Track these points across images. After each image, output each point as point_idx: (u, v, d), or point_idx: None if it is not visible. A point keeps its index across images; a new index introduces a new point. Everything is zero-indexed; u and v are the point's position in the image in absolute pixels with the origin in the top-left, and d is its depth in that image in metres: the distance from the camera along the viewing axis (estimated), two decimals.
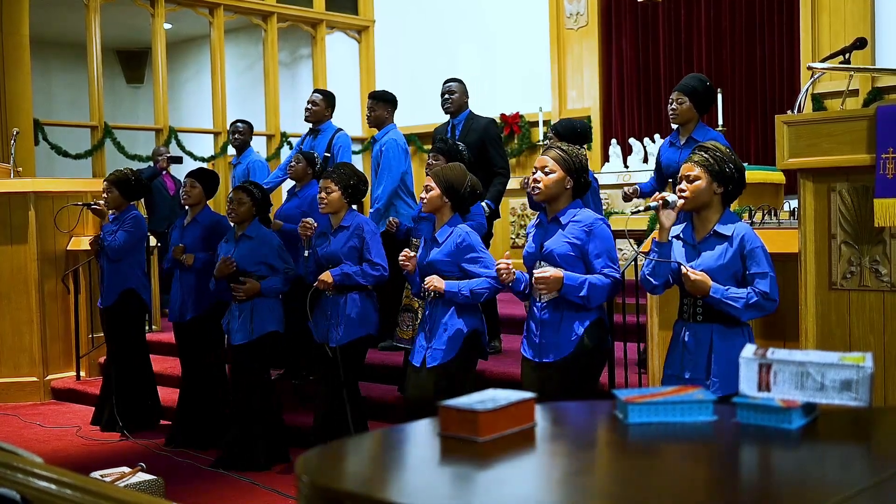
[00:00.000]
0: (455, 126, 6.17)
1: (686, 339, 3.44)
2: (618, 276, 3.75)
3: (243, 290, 5.01)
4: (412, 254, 4.31)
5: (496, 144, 6.14)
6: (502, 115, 10.44)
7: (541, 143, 9.77)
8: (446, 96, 6.20)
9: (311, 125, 6.59)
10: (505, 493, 1.50)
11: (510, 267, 3.79)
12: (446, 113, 6.24)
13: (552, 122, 5.82)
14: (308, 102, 6.59)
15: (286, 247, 5.39)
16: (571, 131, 5.45)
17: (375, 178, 6.29)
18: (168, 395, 6.15)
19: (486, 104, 6.23)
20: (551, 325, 3.76)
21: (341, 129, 6.67)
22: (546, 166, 3.76)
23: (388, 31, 11.80)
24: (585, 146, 5.54)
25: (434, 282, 4.13)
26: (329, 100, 6.66)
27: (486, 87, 10.20)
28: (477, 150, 5.94)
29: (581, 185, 3.79)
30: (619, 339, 5.01)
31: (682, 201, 3.40)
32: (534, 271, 3.72)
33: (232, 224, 5.27)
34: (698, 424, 1.79)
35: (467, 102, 6.26)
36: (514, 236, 9.05)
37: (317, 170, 5.99)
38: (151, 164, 8.94)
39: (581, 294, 3.65)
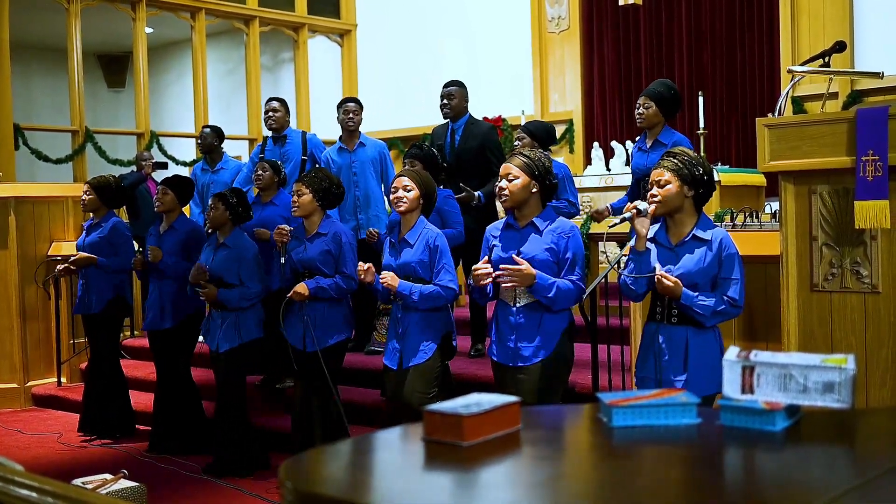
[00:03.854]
0: (455, 130, 6.10)
1: (660, 340, 3.48)
2: (583, 285, 3.81)
3: (203, 294, 5.04)
4: (366, 266, 4.29)
5: (495, 150, 6.09)
6: (485, 118, 10.44)
7: (515, 145, 9.82)
8: (445, 101, 6.09)
9: (273, 132, 6.56)
10: (490, 498, 1.50)
11: (489, 274, 3.76)
12: (445, 118, 6.14)
13: (522, 125, 5.84)
14: (269, 111, 6.54)
15: (267, 254, 5.37)
16: (544, 130, 5.56)
17: (380, 183, 6.37)
18: (147, 401, 6.10)
19: (469, 107, 6.23)
20: (529, 328, 3.77)
21: (306, 131, 6.67)
22: (510, 173, 3.77)
23: (371, 35, 11.79)
24: (567, 148, 5.58)
25: (388, 279, 4.15)
26: (286, 105, 6.67)
27: (469, 91, 10.19)
28: (476, 154, 5.95)
29: (548, 188, 3.81)
30: (602, 341, 5.03)
31: (653, 207, 3.45)
32: (506, 264, 3.68)
33: (208, 231, 5.22)
34: (682, 427, 1.80)
35: (467, 107, 6.17)
36: None
37: (282, 177, 5.96)
38: (135, 169, 8.88)
39: (549, 295, 3.68)
